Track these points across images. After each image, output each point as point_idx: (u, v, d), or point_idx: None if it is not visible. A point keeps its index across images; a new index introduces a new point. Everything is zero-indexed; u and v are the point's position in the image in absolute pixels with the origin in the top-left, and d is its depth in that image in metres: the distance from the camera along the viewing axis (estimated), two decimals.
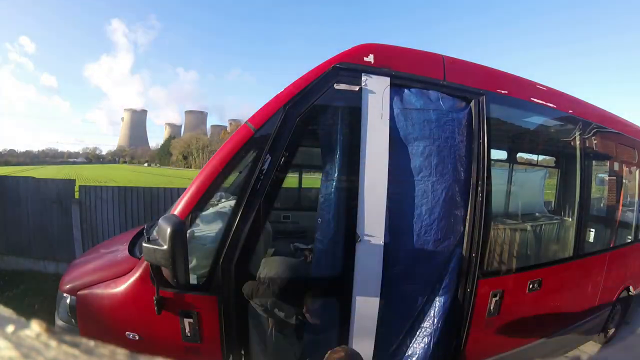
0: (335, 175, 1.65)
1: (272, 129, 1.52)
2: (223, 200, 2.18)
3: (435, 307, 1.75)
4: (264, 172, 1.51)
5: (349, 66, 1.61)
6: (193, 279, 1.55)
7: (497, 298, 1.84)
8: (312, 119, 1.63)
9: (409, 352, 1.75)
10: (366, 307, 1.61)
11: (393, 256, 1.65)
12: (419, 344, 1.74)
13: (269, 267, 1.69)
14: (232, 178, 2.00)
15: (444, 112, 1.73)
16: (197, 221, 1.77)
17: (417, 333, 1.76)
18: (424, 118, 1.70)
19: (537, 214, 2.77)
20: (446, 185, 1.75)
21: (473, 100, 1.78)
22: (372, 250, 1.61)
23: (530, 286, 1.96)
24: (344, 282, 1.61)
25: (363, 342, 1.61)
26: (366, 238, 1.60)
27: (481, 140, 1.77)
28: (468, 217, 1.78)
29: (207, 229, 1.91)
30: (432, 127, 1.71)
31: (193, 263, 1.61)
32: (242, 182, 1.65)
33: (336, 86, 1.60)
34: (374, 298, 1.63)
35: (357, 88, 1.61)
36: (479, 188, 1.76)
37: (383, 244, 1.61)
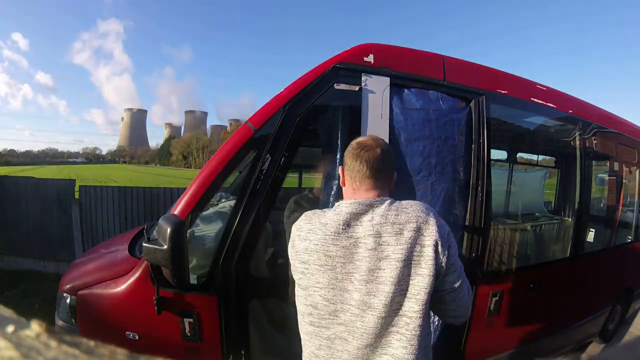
0: (336, 175, 1.65)
1: (272, 129, 1.52)
2: (223, 200, 2.18)
3: None
4: (264, 172, 1.51)
5: (348, 66, 1.61)
6: (193, 279, 1.55)
7: (497, 298, 1.84)
8: (312, 119, 1.63)
9: None
10: None
11: None
12: None
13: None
14: (232, 178, 2.01)
15: (444, 112, 1.73)
16: (197, 221, 1.77)
17: None
18: (423, 118, 1.70)
19: (537, 214, 2.77)
20: (446, 185, 1.75)
21: (473, 100, 1.78)
22: None
23: (531, 286, 1.96)
24: None
25: None
26: None
27: (481, 140, 1.77)
28: (468, 217, 1.78)
29: (207, 229, 1.91)
30: (431, 127, 1.71)
31: (193, 263, 1.61)
32: (242, 182, 1.65)
33: (336, 86, 1.59)
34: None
35: (357, 88, 1.61)
36: (479, 188, 1.76)
37: None
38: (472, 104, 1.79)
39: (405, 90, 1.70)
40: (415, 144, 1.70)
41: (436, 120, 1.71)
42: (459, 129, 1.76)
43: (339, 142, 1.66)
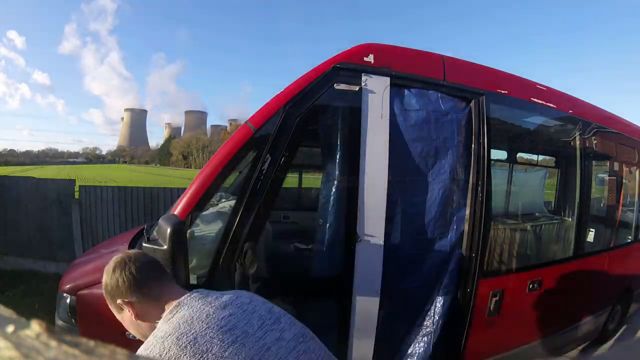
0: (336, 175, 1.65)
1: (272, 129, 1.52)
2: (223, 200, 2.18)
3: (436, 306, 1.75)
4: (264, 172, 1.51)
5: (349, 66, 1.61)
6: (193, 279, 1.55)
7: (497, 298, 1.84)
8: (312, 119, 1.63)
9: (409, 351, 1.76)
10: (366, 307, 1.61)
11: (393, 256, 1.65)
12: (419, 343, 1.74)
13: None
14: (232, 178, 2.00)
15: (444, 112, 1.73)
16: (197, 221, 1.77)
17: (418, 332, 1.76)
18: (423, 118, 1.70)
19: (537, 214, 2.78)
20: (445, 185, 1.75)
21: (473, 100, 1.78)
22: (372, 250, 1.60)
23: (531, 286, 1.96)
24: (345, 282, 1.60)
25: (363, 341, 1.61)
26: (366, 238, 1.60)
27: (481, 141, 1.77)
28: (468, 217, 1.78)
29: (207, 229, 1.91)
30: (431, 128, 1.71)
31: (193, 263, 1.61)
32: (242, 182, 1.65)
33: (336, 86, 1.59)
34: (374, 298, 1.62)
35: (357, 88, 1.61)
36: (479, 188, 1.76)
37: (383, 244, 1.61)
38: (472, 104, 1.79)
39: (406, 91, 1.70)
40: (415, 144, 1.70)
41: (436, 121, 1.72)
42: (459, 129, 1.76)
43: (339, 142, 1.66)
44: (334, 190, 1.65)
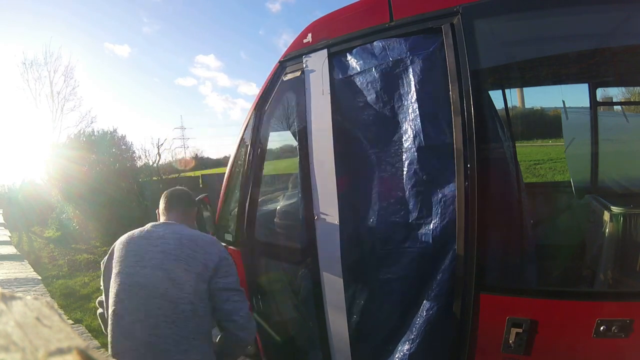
0: (298, 158, 1.79)
1: (250, 129, 1.94)
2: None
3: (417, 313, 1.39)
4: (248, 162, 1.95)
5: (292, 55, 1.70)
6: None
7: (523, 330, 1.12)
8: (273, 113, 1.87)
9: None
10: (332, 280, 1.60)
11: (354, 237, 1.55)
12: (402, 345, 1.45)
13: None
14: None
15: (393, 63, 1.35)
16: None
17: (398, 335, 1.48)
18: (366, 79, 1.43)
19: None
20: (410, 155, 1.35)
21: (443, 27, 1.22)
22: (328, 228, 1.60)
23: (602, 327, 0.97)
24: (311, 256, 1.68)
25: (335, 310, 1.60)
26: (322, 216, 1.62)
27: (462, 83, 1.18)
28: (457, 195, 1.26)
29: None
30: (377, 87, 1.40)
31: None
32: (241, 169, 2.15)
33: (284, 78, 1.75)
34: (338, 277, 1.59)
35: (299, 73, 1.67)
36: (467, 152, 1.20)
37: (338, 223, 1.56)
38: (442, 32, 1.24)
39: (346, 55, 1.52)
40: (361, 112, 1.48)
41: (382, 77, 1.40)
42: (421, 77, 1.30)
43: (295, 129, 1.78)
44: (298, 171, 1.79)
